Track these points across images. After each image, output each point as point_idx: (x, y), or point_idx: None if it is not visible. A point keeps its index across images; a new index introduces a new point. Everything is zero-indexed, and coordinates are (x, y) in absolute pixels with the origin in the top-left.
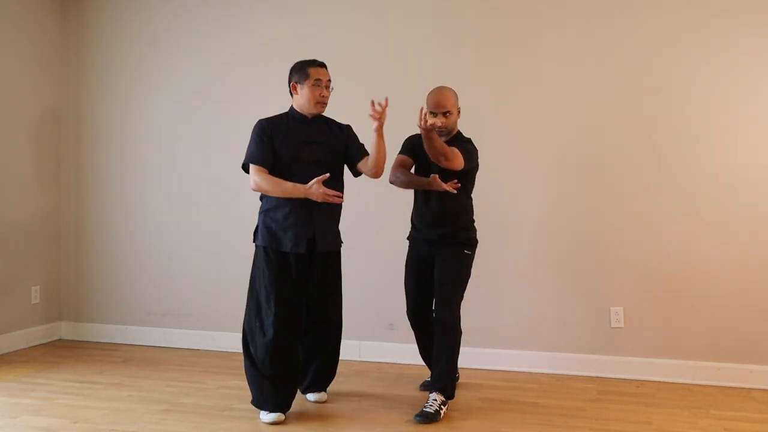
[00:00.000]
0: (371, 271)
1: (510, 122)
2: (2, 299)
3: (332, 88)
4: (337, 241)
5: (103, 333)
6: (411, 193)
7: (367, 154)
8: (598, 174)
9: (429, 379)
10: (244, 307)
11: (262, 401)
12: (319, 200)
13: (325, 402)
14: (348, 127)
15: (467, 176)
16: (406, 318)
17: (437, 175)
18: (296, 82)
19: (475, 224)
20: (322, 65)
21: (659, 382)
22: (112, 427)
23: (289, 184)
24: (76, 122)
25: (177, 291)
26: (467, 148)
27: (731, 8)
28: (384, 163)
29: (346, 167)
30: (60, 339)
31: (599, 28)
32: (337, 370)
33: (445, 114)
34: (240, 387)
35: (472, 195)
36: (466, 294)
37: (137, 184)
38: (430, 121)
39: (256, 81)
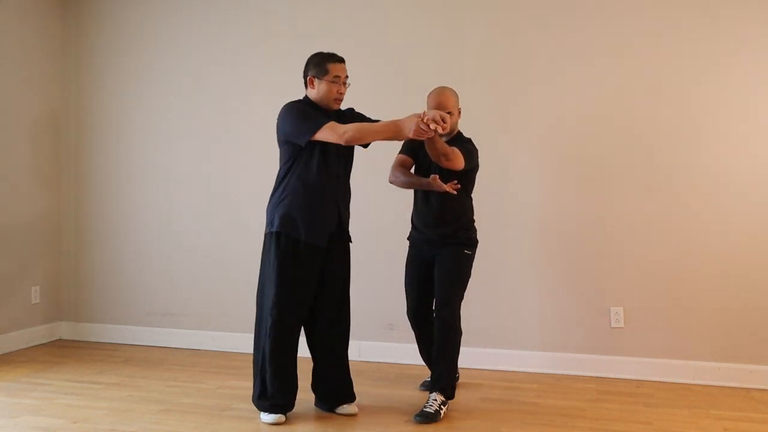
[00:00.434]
0: (371, 271)
1: (510, 122)
2: (2, 299)
3: (349, 84)
4: (348, 235)
5: (103, 333)
6: (411, 193)
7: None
8: (599, 174)
9: (429, 379)
10: (245, 307)
11: (264, 400)
12: (411, 134)
13: (357, 414)
14: (352, 110)
15: (467, 176)
16: (406, 318)
17: (437, 176)
18: (314, 76)
19: (475, 224)
20: (342, 60)
21: (659, 382)
22: (112, 427)
23: (378, 124)
24: (76, 122)
25: (177, 291)
26: (468, 148)
27: (731, 8)
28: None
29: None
30: (60, 339)
31: (599, 28)
32: None
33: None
34: (240, 387)
35: (473, 195)
36: (466, 294)
37: (137, 184)
38: (432, 126)
39: (256, 81)
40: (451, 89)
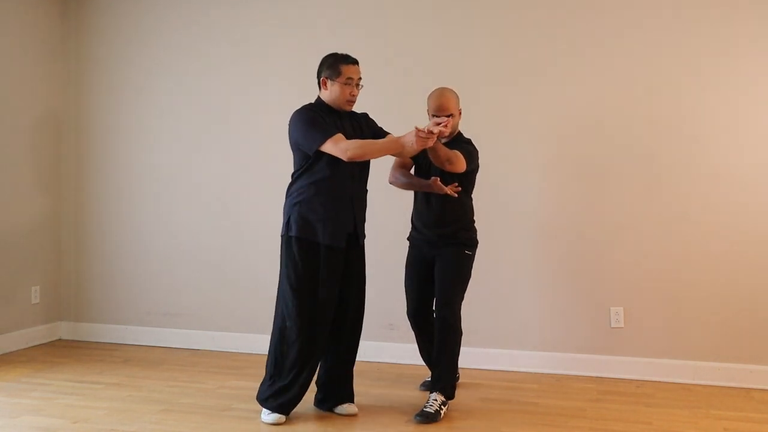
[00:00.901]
0: (371, 271)
1: (510, 122)
2: (2, 299)
3: (362, 86)
4: (364, 231)
5: (103, 333)
6: (411, 193)
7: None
8: (599, 174)
9: (429, 379)
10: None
11: (272, 400)
12: (414, 147)
13: (357, 414)
14: (366, 116)
15: (468, 177)
16: (406, 318)
17: (438, 179)
18: (327, 78)
19: (475, 225)
20: (355, 62)
21: (659, 382)
22: (112, 427)
23: (380, 141)
24: (76, 123)
25: (177, 291)
26: (468, 149)
27: (731, 8)
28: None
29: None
30: (60, 339)
31: (599, 28)
32: None
33: (447, 117)
34: (240, 387)
35: (473, 195)
36: (466, 294)
37: (137, 184)
38: (435, 131)
39: (256, 81)
40: (452, 90)
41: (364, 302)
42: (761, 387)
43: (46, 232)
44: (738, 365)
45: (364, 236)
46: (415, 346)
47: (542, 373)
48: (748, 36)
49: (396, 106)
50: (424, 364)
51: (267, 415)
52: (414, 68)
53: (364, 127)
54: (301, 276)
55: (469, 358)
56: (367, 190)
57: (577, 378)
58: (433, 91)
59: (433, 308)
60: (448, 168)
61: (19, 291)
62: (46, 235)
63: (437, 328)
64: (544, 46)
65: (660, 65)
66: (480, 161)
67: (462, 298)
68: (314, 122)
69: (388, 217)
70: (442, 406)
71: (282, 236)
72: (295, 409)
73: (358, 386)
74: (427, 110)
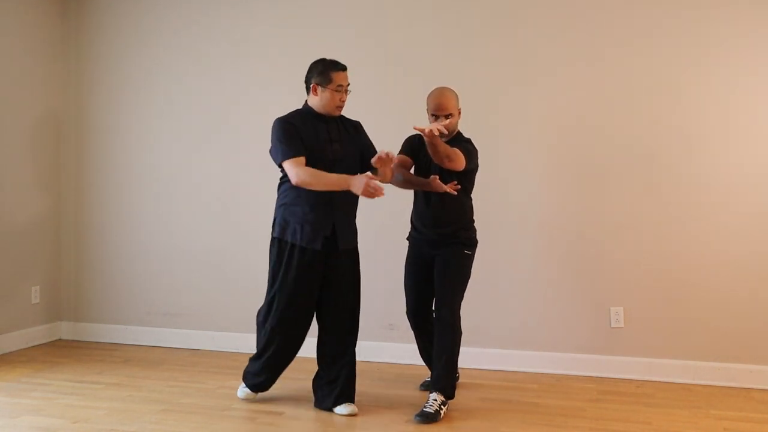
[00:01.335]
0: (371, 271)
1: (510, 122)
2: (2, 299)
3: (350, 91)
4: (354, 239)
5: (103, 333)
6: (411, 193)
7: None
8: (598, 174)
9: (429, 379)
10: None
11: (246, 374)
12: (359, 192)
13: (356, 414)
14: (359, 125)
15: (467, 176)
16: (406, 318)
17: (437, 177)
18: (318, 84)
19: (474, 224)
20: (345, 69)
21: (659, 382)
22: (112, 427)
23: (333, 175)
24: (76, 123)
25: (177, 291)
26: (468, 148)
27: (730, 8)
28: (390, 179)
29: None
30: (60, 339)
31: (598, 28)
32: None
33: (446, 116)
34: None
35: (472, 195)
36: (466, 294)
37: (137, 184)
38: (434, 129)
39: (256, 81)
40: (451, 90)
41: (356, 304)
42: (761, 387)
43: (46, 232)
44: (738, 365)
45: (349, 240)
46: (415, 346)
47: (542, 373)
48: (749, 36)
49: (395, 106)
50: (424, 364)
51: (241, 389)
52: (414, 68)
53: (353, 135)
54: (278, 274)
55: (469, 358)
56: (357, 196)
57: (577, 378)
58: (432, 91)
59: (433, 308)
60: (448, 165)
61: (19, 291)
62: (46, 235)
63: (437, 328)
64: (545, 47)
65: (660, 65)
66: (480, 161)
67: (462, 298)
68: (286, 137)
69: (388, 217)
70: (442, 406)
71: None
72: (295, 410)
73: (359, 386)
74: (427, 110)
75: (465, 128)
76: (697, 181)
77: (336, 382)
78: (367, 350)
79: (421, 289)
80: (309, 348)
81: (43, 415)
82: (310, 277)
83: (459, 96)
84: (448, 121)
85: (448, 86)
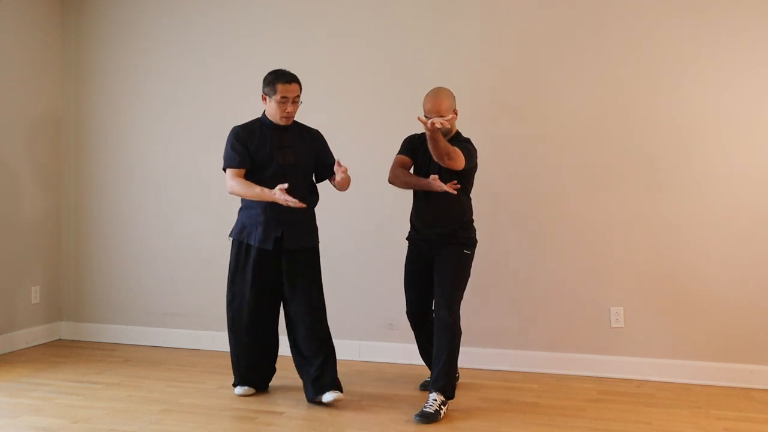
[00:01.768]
0: (371, 271)
1: (509, 122)
2: (2, 299)
3: (301, 102)
4: (309, 239)
5: (103, 333)
6: (410, 192)
7: (332, 173)
8: (598, 174)
9: (429, 379)
10: None
11: (235, 374)
12: (282, 203)
13: (335, 401)
14: (317, 133)
15: (467, 176)
16: (406, 318)
17: (437, 176)
18: (266, 94)
19: (474, 224)
20: (291, 81)
21: (659, 382)
22: (112, 427)
23: (258, 189)
24: (76, 123)
25: (177, 291)
26: (467, 147)
27: (730, 8)
28: (346, 188)
29: None
30: (60, 339)
31: (597, 28)
32: (338, 370)
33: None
34: None
35: (472, 195)
36: (466, 294)
37: (137, 184)
38: (437, 122)
39: (257, 82)
40: (446, 92)
41: (315, 298)
42: (761, 387)
43: (46, 232)
44: (738, 365)
45: (298, 241)
46: (415, 346)
47: (542, 373)
48: (748, 36)
49: (395, 105)
50: (423, 363)
51: (236, 389)
52: (414, 68)
53: (311, 143)
54: (234, 273)
55: (469, 358)
56: (312, 199)
57: (577, 378)
58: (428, 92)
59: (433, 308)
60: (447, 163)
61: (19, 291)
62: (46, 235)
63: (436, 328)
64: (545, 48)
65: (660, 66)
66: (480, 161)
67: (461, 298)
68: (232, 146)
69: (388, 217)
70: (442, 406)
71: (228, 236)
72: (295, 410)
73: (359, 386)
74: (423, 109)
75: (465, 129)
76: (698, 181)
77: (314, 372)
78: (367, 350)
79: (421, 289)
80: None
81: (43, 415)
82: (265, 275)
83: (459, 96)
84: (450, 116)
85: (447, 87)
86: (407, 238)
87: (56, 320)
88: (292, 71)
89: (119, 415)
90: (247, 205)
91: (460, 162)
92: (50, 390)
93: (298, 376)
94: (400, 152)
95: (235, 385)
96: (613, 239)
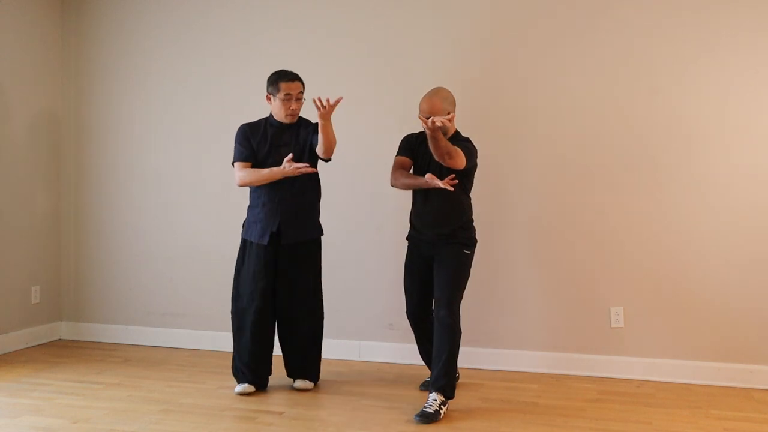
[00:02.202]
0: (371, 271)
1: (509, 122)
2: (2, 299)
3: (305, 99)
4: (307, 232)
5: (103, 333)
6: (410, 192)
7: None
8: (598, 174)
9: (429, 379)
10: None
11: (235, 373)
12: (293, 174)
13: (303, 390)
14: (310, 123)
15: (467, 175)
16: (406, 318)
17: (433, 175)
18: (270, 94)
19: (474, 224)
20: (294, 79)
21: (659, 382)
22: (112, 427)
23: (266, 170)
24: (76, 123)
25: (177, 291)
26: (467, 146)
27: (730, 8)
28: (331, 145)
29: (321, 164)
30: (60, 339)
31: (596, 28)
32: (337, 370)
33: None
34: None
35: (471, 194)
36: (465, 294)
37: (137, 184)
38: (437, 121)
39: (257, 82)
40: (443, 93)
41: (307, 292)
42: (761, 387)
43: (46, 232)
44: (738, 365)
45: (295, 236)
46: (415, 346)
47: (542, 373)
48: (748, 36)
49: (395, 105)
50: (424, 364)
51: (237, 387)
52: (413, 68)
53: (306, 137)
54: (238, 270)
55: (469, 358)
56: (314, 197)
57: (577, 378)
58: (426, 92)
59: (432, 308)
60: (448, 162)
61: (19, 291)
62: (46, 235)
63: (436, 328)
64: (545, 48)
65: (660, 66)
66: (480, 161)
67: (461, 298)
68: (240, 142)
69: (388, 217)
70: (442, 406)
71: None
72: (294, 410)
73: (358, 386)
74: (419, 110)
75: (465, 129)
76: (698, 181)
77: (292, 361)
78: (367, 350)
79: (421, 289)
80: None
81: (43, 415)
82: (265, 271)
83: (459, 96)
84: (451, 115)
85: (446, 87)
86: (407, 238)
87: (56, 320)
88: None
89: (119, 415)
90: (251, 204)
91: (461, 161)
92: (50, 390)
93: None
94: (398, 153)
95: (234, 377)
96: (614, 239)
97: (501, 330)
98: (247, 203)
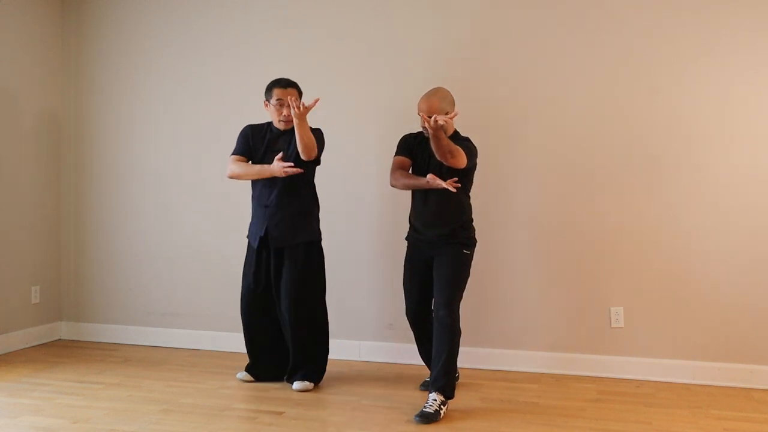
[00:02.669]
0: (371, 271)
1: (509, 122)
2: (2, 299)
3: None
4: (294, 236)
5: (103, 333)
6: (409, 193)
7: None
8: (598, 174)
9: (429, 379)
10: None
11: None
12: (280, 174)
13: (303, 391)
14: (317, 132)
15: (467, 175)
16: (406, 318)
17: (434, 176)
18: (266, 100)
19: (473, 224)
20: (287, 85)
21: (659, 382)
22: (112, 427)
23: (257, 166)
24: (76, 123)
25: (177, 291)
26: (468, 146)
27: (730, 8)
28: (307, 145)
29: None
30: (60, 339)
31: (598, 29)
32: (337, 370)
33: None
34: (240, 387)
35: (471, 194)
36: (465, 294)
37: (137, 184)
38: (440, 120)
39: (258, 82)
40: (441, 93)
41: (302, 295)
42: (761, 387)
43: (46, 232)
44: (738, 365)
45: (281, 240)
46: (415, 346)
47: (542, 373)
48: (749, 36)
49: (395, 105)
50: (424, 364)
51: (239, 373)
52: (413, 68)
53: (296, 143)
54: (243, 268)
55: (469, 358)
56: (306, 203)
57: (577, 378)
58: (425, 93)
59: (432, 308)
60: (450, 161)
61: (19, 291)
62: (46, 235)
63: (436, 328)
64: (545, 48)
65: (660, 66)
66: (480, 161)
67: (461, 298)
68: (239, 139)
69: (388, 218)
70: (442, 406)
71: None
72: (294, 409)
73: (359, 386)
74: (418, 110)
75: (465, 129)
76: (698, 181)
77: (291, 362)
78: (367, 350)
79: (420, 289)
80: None
81: (43, 415)
82: (258, 269)
83: (458, 96)
84: (454, 113)
85: (445, 87)
86: (406, 238)
87: (56, 320)
88: (292, 71)
89: (119, 415)
90: (252, 206)
91: (462, 160)
92: (50, 390)
93: None
94: (397, 153)
95: (245, 369)
96: (614, 239)
97: (501, 330)
98: (247, 203)
